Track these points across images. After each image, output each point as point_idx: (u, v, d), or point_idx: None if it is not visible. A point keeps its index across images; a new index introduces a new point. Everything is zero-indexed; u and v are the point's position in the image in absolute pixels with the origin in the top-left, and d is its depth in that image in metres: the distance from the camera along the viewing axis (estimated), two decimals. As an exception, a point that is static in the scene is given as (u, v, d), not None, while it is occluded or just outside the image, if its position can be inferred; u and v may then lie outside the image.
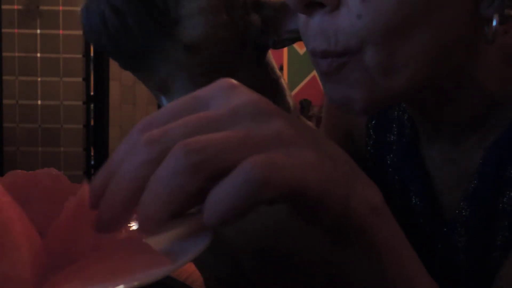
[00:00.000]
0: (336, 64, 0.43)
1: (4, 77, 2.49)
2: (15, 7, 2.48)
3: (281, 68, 5.59)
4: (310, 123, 0.65)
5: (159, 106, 0.62)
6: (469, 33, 0.44)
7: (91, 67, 2.62)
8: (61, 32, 2.48)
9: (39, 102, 2.52)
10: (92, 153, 2.68)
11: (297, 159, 0.28)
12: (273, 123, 0.29)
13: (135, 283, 0.24)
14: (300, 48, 5.68)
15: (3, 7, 2.46)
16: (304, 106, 5.69)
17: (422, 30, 0.41)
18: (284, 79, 0.64)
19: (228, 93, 0.30)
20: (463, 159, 0.54)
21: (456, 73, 0.48)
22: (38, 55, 2.50)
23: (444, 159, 0.56)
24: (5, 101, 2.49)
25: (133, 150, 0.28)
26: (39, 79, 2.51)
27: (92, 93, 2.63)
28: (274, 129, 0.29)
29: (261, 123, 0.29)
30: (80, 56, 2.53)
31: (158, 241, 0.31)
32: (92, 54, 2.60)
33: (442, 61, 0.45)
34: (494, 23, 0.42)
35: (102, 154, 2.69)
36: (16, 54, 2.50)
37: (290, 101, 0.63)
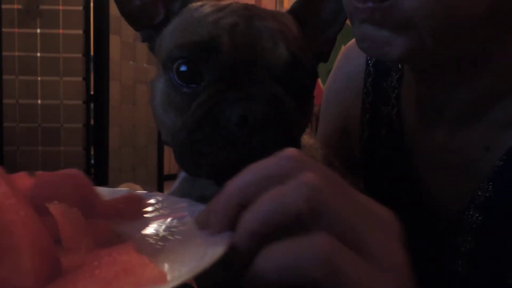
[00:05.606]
0: (379, 13, 0.42)
1: (4, 77, 2.48)
2: (15, 6, 2.47)
3: (281, 68, 5.58)
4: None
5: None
6: None
7: (91, 66, 2.61)
8: (61, 31, 2.47)
9: (39, 101, 2.52)
10: (92, 153, 2.67)
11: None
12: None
13: None
14: (300, 47, 5.67)
15: (3, 6, 2.45)
16: (304, 105, 5.70)
17: None
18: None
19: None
20: (460, 155, 0.53)
21: (481, 47, 0.46)
22: (38, 54, 2.50)
23: (436, 154, 0.55)
24: (5, 101, 2.49)
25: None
26: (39, 78, 2.51)
27: (92, 93, 2.62)
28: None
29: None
30: (80, 55, 2.52)
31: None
32: (92, 54, 2.59)
33: (485, 26, 0.43)
34: None
35: (102, 154, 2.68)
36: (16, 54, 2.49)
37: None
